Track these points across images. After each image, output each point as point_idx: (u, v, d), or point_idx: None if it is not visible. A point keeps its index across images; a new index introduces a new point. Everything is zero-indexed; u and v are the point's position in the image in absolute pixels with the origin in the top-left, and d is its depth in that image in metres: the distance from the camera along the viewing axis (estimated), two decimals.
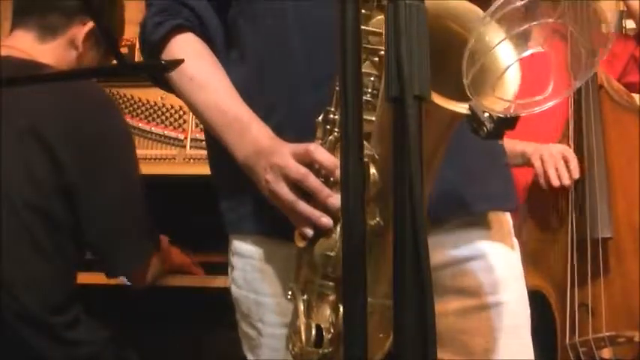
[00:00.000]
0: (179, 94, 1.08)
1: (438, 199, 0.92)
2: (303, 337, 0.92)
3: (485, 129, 0.74)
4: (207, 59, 1.06)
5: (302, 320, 0.92)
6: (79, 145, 1.37)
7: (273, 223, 0.98)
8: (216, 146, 1.05)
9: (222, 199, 1.12)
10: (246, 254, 1.08)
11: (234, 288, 1.11)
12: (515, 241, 1.12)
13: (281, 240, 1.00)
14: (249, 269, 1.08)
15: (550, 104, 0.72)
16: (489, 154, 1.06)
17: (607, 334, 1.69)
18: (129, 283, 1.57)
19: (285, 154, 0.93)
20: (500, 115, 0.73)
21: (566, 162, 1.72)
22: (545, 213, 1.79)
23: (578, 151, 1.77)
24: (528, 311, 1.10)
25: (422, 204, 0.60)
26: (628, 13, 2.01)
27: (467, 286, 1.05)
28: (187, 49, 1.05)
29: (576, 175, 1.72)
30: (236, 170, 1.01)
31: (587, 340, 1.69)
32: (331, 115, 0.91)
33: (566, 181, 1.71)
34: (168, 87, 1.08)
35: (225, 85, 1.04)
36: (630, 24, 2.18)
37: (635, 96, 1.91)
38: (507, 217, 1.12)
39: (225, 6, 1.07)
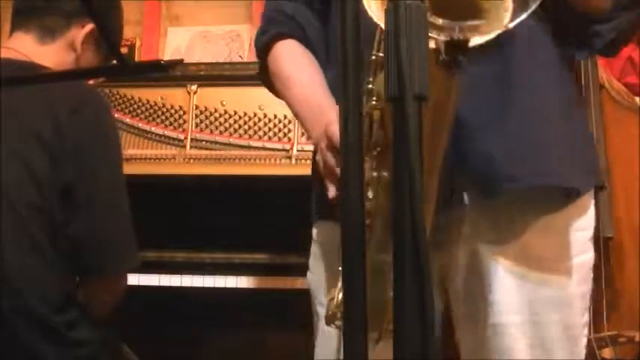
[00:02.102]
0: (278, 93, 1.21)
1: None
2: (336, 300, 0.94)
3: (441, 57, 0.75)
4: (304, 60, 1.18)
5: (338, 288, 0.94)
6: (76, 144, 1.37)
7: (329, 205, 1.02)
8: None
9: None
10: (315, 239, 1.18)
11: (308, 273, 1.20)
12: None
13: (334, 222, 1.04)
14: (316, 252, 1.17)
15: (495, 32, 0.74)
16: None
17: (608, 333, 1.69)
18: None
19: (335, 125, 0.97)
20: (448, 39, 0.74)
21: None
22: None
23: None
24: None
25: (422, 203, 0.60)
26: None
27: None
28: (287, 53, 1.19)
29: None
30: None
31: (588, 340, 1.69)
32: (369, 85, 0.92)
33: None
34: (272, 88, 1.22)
35: (315, 81, 1.14)
36: None
37: (636, 98, 1.91)
38: None
39: (326, 16, 1.19)
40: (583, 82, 1.77)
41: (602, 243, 1.71)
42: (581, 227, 1.11)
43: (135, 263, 1.45)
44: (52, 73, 1.43)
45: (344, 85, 0.63)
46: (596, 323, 1.70)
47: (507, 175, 1.02)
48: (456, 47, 0.75)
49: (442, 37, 0.74)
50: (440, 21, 0.76)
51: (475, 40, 0.75)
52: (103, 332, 1.43)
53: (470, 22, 0.76)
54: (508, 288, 1.05)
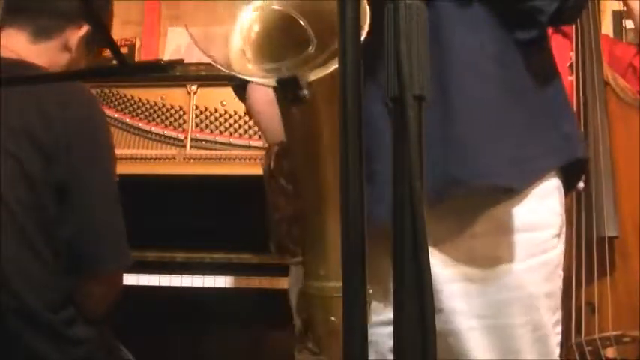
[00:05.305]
0: None
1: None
2: None
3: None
4: None
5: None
6: (67, 142, 1.37)
7: None
8: None
9: None
10: None
11: None
12: None
13: None
14: None
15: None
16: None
17: (613, 333, 1.68)
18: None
19: None
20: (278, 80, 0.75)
21: None
22: None
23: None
24: None
25: (422, 204, 0.59)
26: (627, 13, 1.99)
27: None
28: None
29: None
30: None
31: (593, 340, 1.68)
32: None
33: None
34: None
35: None
36: (629, 24, 2.17)
37: None
38: None
39: None
40: (587, 79, 1.77)
41: (606, 242, 1.71)
42: (537, 225, 1.05)
43: (128, 262, 1.44)
44: (52, 73, 1.42)
45: (344, 84, 0.62)
46: (600, 323, 1.69)
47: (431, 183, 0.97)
48: (289, 85, 0.75)
49: (272, 81, 0.75)
50: (265, 66, 0.78)
51: (316, 73, 0.75)
52: (100, 331, 1.43)
53: (295, 59, 0.76)
54: (459, 293, 1.01)
